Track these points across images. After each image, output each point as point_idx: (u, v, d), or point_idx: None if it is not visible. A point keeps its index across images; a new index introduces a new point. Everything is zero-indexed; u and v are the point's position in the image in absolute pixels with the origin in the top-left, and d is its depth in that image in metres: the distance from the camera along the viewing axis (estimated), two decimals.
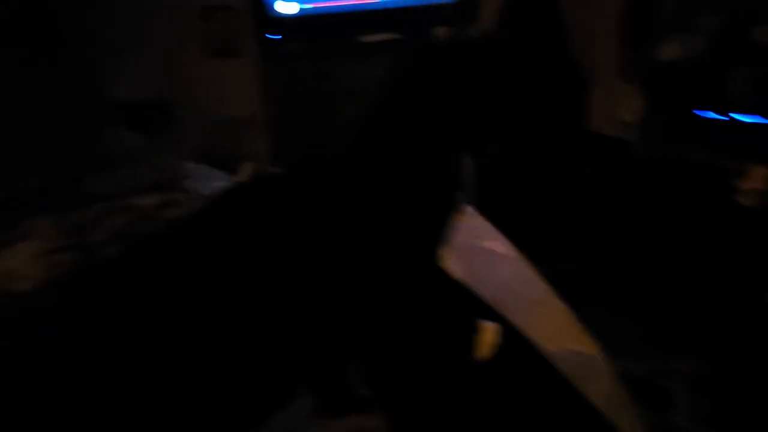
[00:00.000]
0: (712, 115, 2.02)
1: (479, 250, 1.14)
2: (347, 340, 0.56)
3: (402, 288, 0.54)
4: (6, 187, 1.16)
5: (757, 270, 1.47)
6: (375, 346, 0.59)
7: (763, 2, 1.80)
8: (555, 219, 2.63)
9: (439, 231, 0.57)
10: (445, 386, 0.57)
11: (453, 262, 0.99)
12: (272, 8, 2.20)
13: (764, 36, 1.80)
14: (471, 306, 0.78)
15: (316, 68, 2.23)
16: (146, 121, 2.51)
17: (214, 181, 1.32)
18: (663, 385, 1.49)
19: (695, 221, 1.79)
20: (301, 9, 2.21)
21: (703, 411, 1.36)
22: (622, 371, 1.51)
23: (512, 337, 0.64)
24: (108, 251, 0.89)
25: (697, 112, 2.09)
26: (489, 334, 0.59)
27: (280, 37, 2.27)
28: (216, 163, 1.89)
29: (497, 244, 1.19)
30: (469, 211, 1.52)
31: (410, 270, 0.54)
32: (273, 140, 2.44)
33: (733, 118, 1.88)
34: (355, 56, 2.20)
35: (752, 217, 1.44)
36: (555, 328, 0.84)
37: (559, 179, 2.54)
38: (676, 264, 1.92)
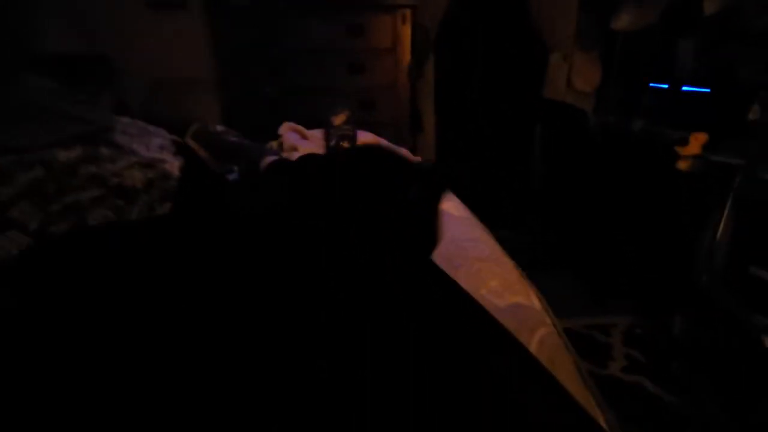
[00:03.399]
0: (662, 85, 2.08)
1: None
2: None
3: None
4: None
5: (689, 230, 1.56)
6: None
7: None
8: (508, 187, 2.69)
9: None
10: None
11: None
12: None
13: (711, 8, 1.85)
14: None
15: (266, 26, 2.09)
16: (78, 75, 2.28)
17: (152, 137, 1.20)
18: (603, 340, 1.57)
19: (637, 188, 1.86)
20: None
21: (635, 360, 1.45)
22: (565, 328, 1.60)
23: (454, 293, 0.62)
24: (15, 211, 0.78)
25: (650, 84, 2.15)
26: None
27: None
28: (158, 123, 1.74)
29: (450, 205, 1.17)
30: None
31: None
32: (221, 100, 2.31)
33: (679, 89, 1.94)
34: (307, 15, 2.08)
35: (688, 182, 1.51)
36: (501, 283, 0.84)
37: (516, 146, 2.56)
38: (618, 227, 2.00)
